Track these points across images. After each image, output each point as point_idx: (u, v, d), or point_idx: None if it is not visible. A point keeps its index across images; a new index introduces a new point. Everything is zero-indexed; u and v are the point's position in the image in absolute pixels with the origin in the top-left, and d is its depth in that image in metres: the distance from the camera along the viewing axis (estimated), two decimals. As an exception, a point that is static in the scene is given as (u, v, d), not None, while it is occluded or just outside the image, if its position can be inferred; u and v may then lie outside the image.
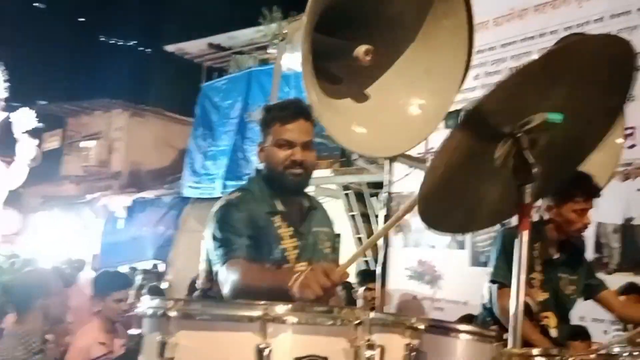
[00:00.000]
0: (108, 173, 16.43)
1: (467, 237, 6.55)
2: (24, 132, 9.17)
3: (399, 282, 6.54)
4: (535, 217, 3.61)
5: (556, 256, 3.43)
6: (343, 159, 9.73)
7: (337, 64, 3.11)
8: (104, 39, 26.20)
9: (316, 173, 2.62)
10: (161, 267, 12.14)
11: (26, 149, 8.96)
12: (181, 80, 17.47)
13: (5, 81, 8.76)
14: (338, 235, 2.76)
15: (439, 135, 3.05)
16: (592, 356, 2.03)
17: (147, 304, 1.51)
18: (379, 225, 6.16)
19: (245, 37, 13.44)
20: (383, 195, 3.68)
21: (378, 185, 8.31)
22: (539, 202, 3.32)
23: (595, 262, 5.47)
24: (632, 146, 4.90)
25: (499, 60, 6.48)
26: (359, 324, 1.46)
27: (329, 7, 2.74)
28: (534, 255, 3.29)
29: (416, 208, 1.67)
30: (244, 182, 2.69)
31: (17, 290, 3.47)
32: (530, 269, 3.23)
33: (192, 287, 5.06)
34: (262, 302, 1.40)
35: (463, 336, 1.68)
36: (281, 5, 11.78)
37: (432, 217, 1.62)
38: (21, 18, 22.21)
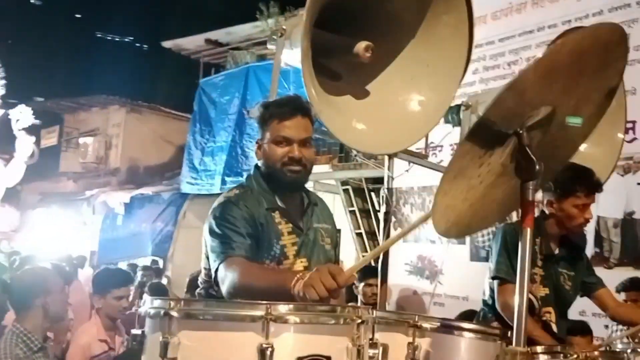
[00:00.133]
0: (106, 169, 16.42)
1: (467, 232, 6.55)
2: (21, 129, 9.14)
3: (399, 277, 6.53)
4: (535, 213, 3.61)
5: (557, 251, 3.42)
6: (342, 154, 9.73)
7: (336, 60, 3.09)
8: (100, 35, 26.10)
9: (315, 168, 2.61)
10: (160, 263, 12.13)
11: (23, 146, 8.93)
12: (178, 77, 17.45)
13: (1, 78, 8.72)
14: (338, 231, 2.75)
15: (439, 131, 3.05)
16: (596, 353, 2.02)
17: (149, 304, 1.50)
18: (380, 221, 6.17)
19: (242, 33, 13.41)
20: (383, 191, 3.67)
21: (377, 181, 8.32)
22: (538, 197, 3.31)
23: (595, 257, 5.47)
24: (633, 140, 4.89)
25: (497, 55, 6.46)
26: (362, 323, 1.45)
27: (329, 3, 2.73)
28: (535, 251, 3.29)
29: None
30: (242, 180, 2.67)
31: (17, 288, 3.46)
32: (532, 265, 3.22)
33: (191, 284, 5.05)
34: (265, 302, 1.39)
35: (467, 334, 1.68)
36: (278, 0, 11.77)
37: (445, 225, 1.61)
38: (17, 15, 22.13)
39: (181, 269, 9.74)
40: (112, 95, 16.73)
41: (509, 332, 1.68)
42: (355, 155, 8.47)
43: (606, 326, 5.03)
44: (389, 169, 3.65)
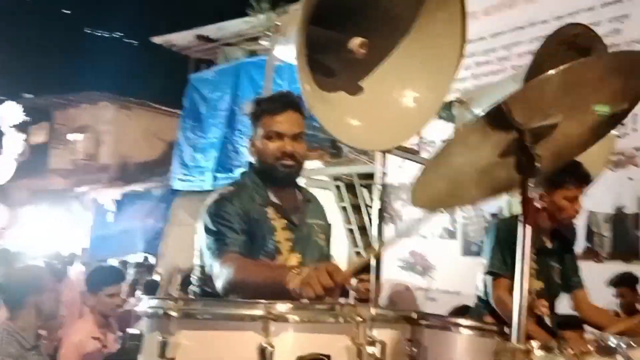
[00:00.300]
0: (96, 166, 16.35)
1: (459, 227, 6.58)
2: (10, 126, 9.08)
3: (391, 272, 6.56)
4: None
5: (549, 245, 3.44)
6: (333, 150, 9.72)
7: (331, 56, 3.08)
8: (90, 31, 25.95)
9: (307, 164, 2.62)
10: (151, 260, 12.10)
11: (13, 143, 8.87)
12: (169, 73, 17.38)
13: (-10, 75, 8.65)
14: (330, 226, 2.76)
15: (432, 127, 3.07)
16: (591, 348, 2.03)
17: (147, 304, 1.49)
18: (372, 217, 6.16)
19: (233, 29, 13.35)
20: (377, 187, 3.67)
21: (369, 176, 8.32)
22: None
23: (586, 251, 5.52)
24: (624, 135, 4.93)
25: (489, 50, 6.49)
26: (362, 321, 1.45)
27: (324, -1, 2.72)
28: None
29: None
30: (234, 176, 2.67)
31: (9, 287, 3.44)
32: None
33: (184, 282, 5.04)
34: (264, 301, 1.39)
35: (464, 331, 1.68)
36: (270, -5, 11.72)
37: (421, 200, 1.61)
38: (6, 11, 21.95)
39: (172, 265, 9.72)
40: (102, 91, 16.66)
41: (506, 329, 1.70)
42: (349, 151, 8.47)
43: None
44: (382, 165, 3.63)
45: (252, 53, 12.36)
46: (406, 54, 3.11)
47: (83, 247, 13.52)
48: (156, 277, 9.12)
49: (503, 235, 3.32)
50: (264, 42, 3.68)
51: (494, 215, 5.96)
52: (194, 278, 2.49)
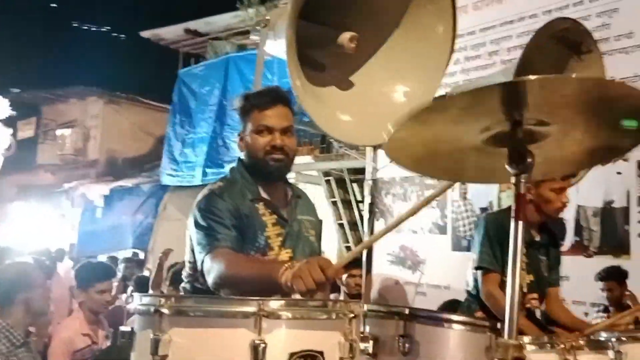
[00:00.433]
0: (84, 161, 16.26)
1: (449, 222, 6.59)
2: (-3, 121, 9.00)
3: (381, 267, 6.55)
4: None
5: (537, 238, 3.46)
6: (323, 145, 9.72)
7: (321, 51, 3.08)
8: (77, 25, 25.74)
9: (297, 159, 2.61)
10: (141, 255, 12.06)
11: (0, 138, 8.79)
12: (157, 67, 17.29)
13: (-23, 69, 8.56)
14: (320, 222, 2.76)
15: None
16: (582, 342, 2.04)
17: (138, 301, 1.48)
18: (363, 212, 6.17)
19: (222, 23, 13.30)
20: (367, 182, 3.67)
21: (359, 171, 8.33)
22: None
23: (575, 245, 5.55)
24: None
25: (478, 45, 6.48)
26: (354, 317, 1.45)
27: (314, -7, 2.72)
28: None
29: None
30: (224, 171, 2.67)
31: (-1, 284, 3.41)
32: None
33: (174, 278, 5.02)
34: (256, 298, 1.38)
35: (456, 326, 1.69)
36: (259, -10, 11.68)
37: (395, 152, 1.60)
38: (-8, 5, 21.75)
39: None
40: (89, 86, 16.54)
41: (498, 324, 1.70)
42: (340, 147, 8.48)
43: (586, 314, 5.11)
44: (373, 160, 3.65)
45: (241, 47, 12.31)
46: (396, 48, 3.11)
47: (71, 243, 13.45)
48: (146, 273, 9.09)
49: (492, 230, 3.33)
50: (253, 37, 3.67)
51: (483, 209, 5.97)
52: (184, 274, 2.48)
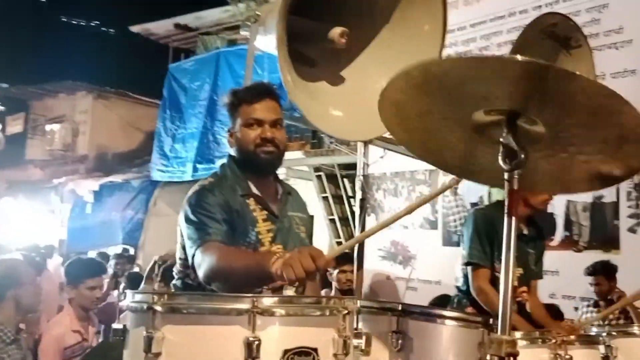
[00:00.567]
0: (74, 157, 16.16)
1: (440, 218, 6.62)
2: (-14, 117, 8.94)
3: (373, 263, 6.58)
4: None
5: (525, 231, 3.47)
6: (314, 140, 9.71)
7: (312, 46, 3.08)
8: (66, 19, 25.54)
9: (287, 155, 2.61)
10: (131, 251, 12.02)
11: (-11, 134, 8.74)
12: (147, 62, 17.17)
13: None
14: (312, 217, 2.76)
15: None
16: (572, 337, 2.06)
17: (131, 298, 1.48)
18: (354, 207, 6.16)
19: (212, 18, 13.23)
20: (359, 177, 3.67)
21: (350, 167, 8.33)
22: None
23: (565, 240, 5.59)
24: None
25: (469, 40, 6.51)
26: (347, 313, 1.45)
27: (304, -12, 2.71)
28: None
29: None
30: (214, 167, 2.66)
31: (-12, 281, 3.39)
32: None
33: (165, 274, 5.00)
34: (250, 295, 1.38)
35: (449, 322, 1.69)
36: (249, -15, 11.62)
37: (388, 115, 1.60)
38: (-21, -1, 21.55)
39: (152, 257, 9.65)
40: (78, 81, 16.42)
41: (491, 320, 1.71)
42: (331, 142, 8.46)
43: (576, 308, 5.15)
44: (364, 156, 3.65)
45: (232, 42, 12.26)
46: (387, 43, 3.12)
47: (61, 239, 13.38)
48: (137, 269, 9.06)
49: (482, 225, 3.34)
50: (244, 32, 3.66)
51: (474, 204, 6.00)
52: (175, 271, 2.47)
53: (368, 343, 1.55)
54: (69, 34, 23.99)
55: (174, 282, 2.47)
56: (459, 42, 6.48)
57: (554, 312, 4.22)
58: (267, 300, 1.40)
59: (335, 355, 1.44)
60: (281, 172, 2.60)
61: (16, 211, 14.15)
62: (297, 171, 9.51)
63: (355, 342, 1.50)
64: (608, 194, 5.30)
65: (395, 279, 6.77)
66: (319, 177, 9.33)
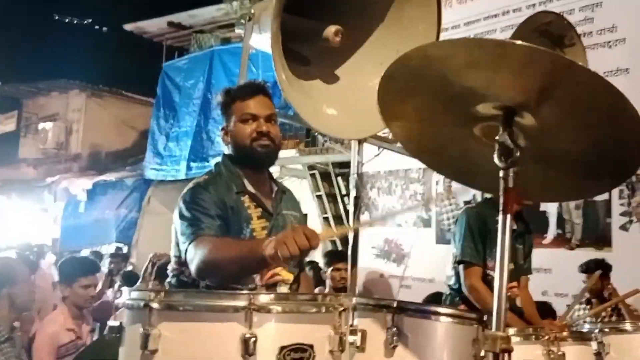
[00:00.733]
0: (67, 155, 16.10)
1: (433, 216, 6.63)
2: (-22, 115, 8.90)
3: (366, 261, 6.59)
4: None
5: (515, 227, 3.48)
6: (308, 139, 9.71)
7: (306, 45, 3.08)
8: (58, 17, 25.41)
9: (281, 153, 2.63)
10: (125, 250, 11.99)
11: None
12: (141, 60, 17.10)
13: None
14: (305, 216, 2.76)
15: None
16: (565, 334, 2.08)
17: (128, 295, 1.48)
18: (348, 206, 6.18)
19: (206, 16, 13.20)
20: (353, 176, 3.68)
21: (344, 165, 8.34)
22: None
23: (557, 238, 5.61)
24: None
25: (462, 39, 6.52)
26: (343, 310, 1.46)
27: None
28: (497, 229, 3.32)
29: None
30: (208, 165, 2.67)
31: (-18, 280, 3.39)
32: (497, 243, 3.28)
33: (159, 272, 5.00)
34: (246, 292, 1.39)
35: (444, 319, 1.70)
36: (243, -17, 11.60)
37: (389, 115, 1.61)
38: (-29, -4, 21.42)
39: (146, 255, 9.63)
40: (72, 79, 16.35)
41: (485, 316, 1.72)
42: (325, 141, 8.47)
43: (568, 305, 5.16)
44: (358, 154, 3.66)
45: (226, 40, 12.24)
46: (381, 42, 3.13)
47: (54, 237, 13.34)
48: (130, 268, 9.04)
49: (473, 224, 3.35)
50: (238, 30, 3.66)
51: (467, 203, 6.01)
52: (170, 269, 2.47)
53: (364, 340, 1.56)
54: (61, 32, 23.86)
55: (168, 280, 2.48)
56: (452, 41, 6.49)
57: (547, 309, 4.24)
58: (264, 297, 1.41)
59: (331, 351, 1.45)
60: (275, 171, 2.61)
61: (9, 210, 14.09)
62: (291, 170, 9.51)
63: (351, 338, 1.51)
64: (600, 192, 5.33)
65: (389, 277, 6.79)
66: (312, 175, 9.34)
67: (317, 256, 7.19)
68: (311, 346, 1.41)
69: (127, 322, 1.49)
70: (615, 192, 5.24)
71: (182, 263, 2.31)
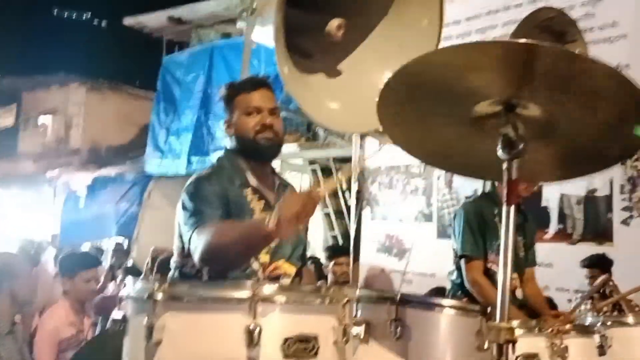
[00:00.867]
0: (67, 150, 16.08)
1: (434, 211, 6.64)
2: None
3: (368, 255, 6.60)
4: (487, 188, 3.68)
5: None
6: (309, 133, 9.70)
7: (309, 38, 3.08)
8: (57, 12, 25.39)
9: (282, 148, 2.63)
10: (125, 244, 11.99)
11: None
12: (141, 55, 17.10)
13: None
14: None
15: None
16: (568, 327, 2.08)
17: (132, 287, 1.48)
18: (349, 201, 6.19)
19: (206, 10, 13.16)
20: (355, 170, 3.69)
21: (345, 160, 8.34)
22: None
23: (559, 233, 5.62)
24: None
25: (464, 34, 6.51)
26: (347, 302, 1.46)
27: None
28: (496, 222, 3.35)
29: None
30: (209, 159, 2.68)
31: (-17, 274, 3.39)
32: (497, 237, 3.30)
33: (161, 266, 5.00)
34: (251, 282, 1.39)
35: (447, 311, 1.71)
36: (243, -23, 11.56)
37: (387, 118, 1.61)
38: (-29, -10, 21.40)
39: (147, 249, 9.64)
40: (71, 73, 16.33)
41: (488, 308, 1.73)
42: (327, 135, 8.47)
43: (569, 300, 5.17)
44: (360, 148, 3.67)
45: (226, 35, 12.22)
46: (384, 36, 3.12)
47: (54, 232, 13.33)
48: (131, 262, 9.05)
49: (472, 218, 3.37)
50: (240, 24, 3.66)
51: (469, 197, 6.02)
52: (172, 262, 2.48)
53: (367, 331, 1.57)
54: (61, 27, 23.87)
55: (170, 273, 2.48)
56: (453, 36, 6.47)
57: (548, 304, 4.25)
58: (268, 288, 1.41)
59: (335, 342, 1.45)
60: (276, 165, 2.62)
61: (8, 204, 14.09)
62: (292, 164, 9.51)
63: (354, 330, 1.52)
64: (601, 188, 5.33)
65: (390, 272, 6.79)
66: (313, 170, 9.34)
67: (318, 251, 7.20)
68: (315, 337, 1.42)
69: (131, 314, 1.49)
70: (616, 187, 5.25)
71: (185, 255, 2.32)
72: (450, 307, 1.72)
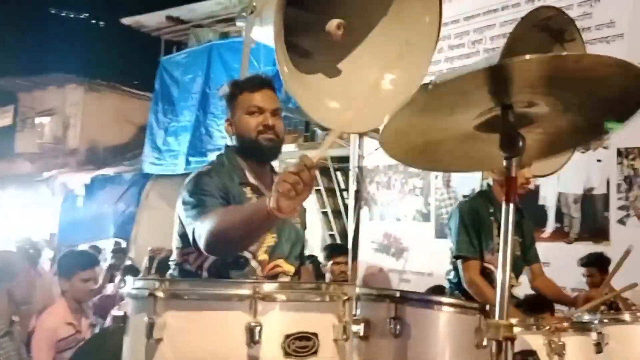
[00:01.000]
0: (64, 150, 16.06)
1: (432, 210, 6.65)
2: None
3: (365, 255, 6.60)
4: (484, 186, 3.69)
5: None
6: (307, 133, 9.71)
7: (309, 38, 3.09)
8: (54, 11, 25.34)
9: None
10: (123, 244, 11.98)
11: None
12: (139, 54, 17.07)
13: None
14: (305, 210, 2.77)
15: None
16: (566, 324, 2.09)
17: (132, 285, 1.48)
18: (347, 200, 6.19)
19: (204, 10, 13.16)
20: (353, 170, 3.69)
21: (343, 160, 8.34)
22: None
23: (556, 232, 5.64)
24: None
25: (462, 33, 6.52)
26: (347, 299, 1.47)
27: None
28: (492, 221, 3.36)
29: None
30: (207, 159, 2.67)
31: (-19, 273, 3.38)
32: (493, 236, 3.32)
33: (160, 266, 5.01)
34: (252, 280, 1.40)
35: (446, 309, 1.72)
36: (241, -23, 11.56)
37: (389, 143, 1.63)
38: (-33, -10, 21.36)
39: (145, 249, 9.64)
40: (69, 73, 16.31)
41: (487, 306, 1.74)
42: (325, 135, 8.46)
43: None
44: (358, 148, 3.67)
45: (224, 35, 12.22)
46: (383, 36, 3.13)
47: (52, 232, 13.32)
48: (129, 262, 9.04)
49: (468, 217, 3.38)
50: (239, 23, 3.66)
51: (466, 197, 6.03)
52: (171, 261, 2.48)
53: (367, 329, 1.57)
54: (58, 27, 23.81)
55: (170, 272, 2.48)
56: (452, 35, 6.50)
57: (545, 302, 4.26)
58: (268, 286, 1.41)
59: (335, 340, 1.46)
60: (274, 165, 2.63)
61: (6, 205, 14.07)
62: (290, 164, 9.51)
63: (354, 328, 1.52)
64: (598, 186, 5.35)
65: (388, 271, 6.80)
66: (312, 170, 9.33)
67: (316, 250, 7.21)
68: (316, 334, 1.42)
69: (131, 312, 1.50)
70: (613, 186, 5.27)
71: (185, 253, 2.32)
72: (449, 304, 1.72)
